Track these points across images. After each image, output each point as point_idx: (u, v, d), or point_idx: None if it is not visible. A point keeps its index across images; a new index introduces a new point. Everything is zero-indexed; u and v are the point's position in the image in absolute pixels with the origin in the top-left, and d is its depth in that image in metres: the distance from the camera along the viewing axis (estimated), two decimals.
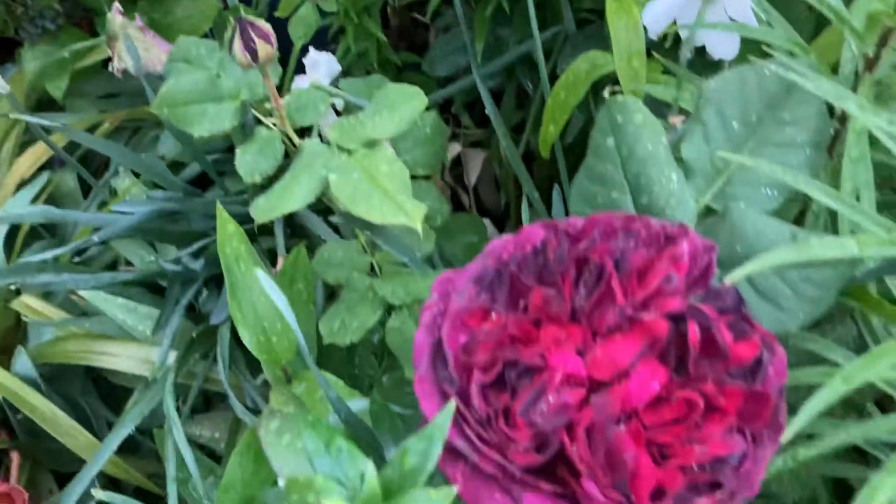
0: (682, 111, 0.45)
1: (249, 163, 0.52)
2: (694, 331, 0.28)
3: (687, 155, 0.36)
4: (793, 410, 0.35)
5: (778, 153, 0.35)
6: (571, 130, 0.67)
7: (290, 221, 0.70)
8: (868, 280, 0.35)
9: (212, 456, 0.69)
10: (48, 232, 0.88)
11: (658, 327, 0.28)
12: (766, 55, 0.36)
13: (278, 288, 0.47)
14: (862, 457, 0.44)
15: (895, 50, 0.36)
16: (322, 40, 0.76)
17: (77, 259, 0.83)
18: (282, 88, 0.60)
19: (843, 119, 0.36)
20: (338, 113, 0.58)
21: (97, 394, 0.84)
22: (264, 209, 0.44)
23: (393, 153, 0.44)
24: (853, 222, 0.31)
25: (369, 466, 0.26)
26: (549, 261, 0.31)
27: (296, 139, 0.51)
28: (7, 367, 0.73)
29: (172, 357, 0.68)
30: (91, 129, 0.88)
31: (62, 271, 0.72)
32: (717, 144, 0.35)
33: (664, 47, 0.50)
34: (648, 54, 0.51)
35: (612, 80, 0.52)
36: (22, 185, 0.90)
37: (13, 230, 0.83)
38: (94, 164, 0.91)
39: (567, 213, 0.40)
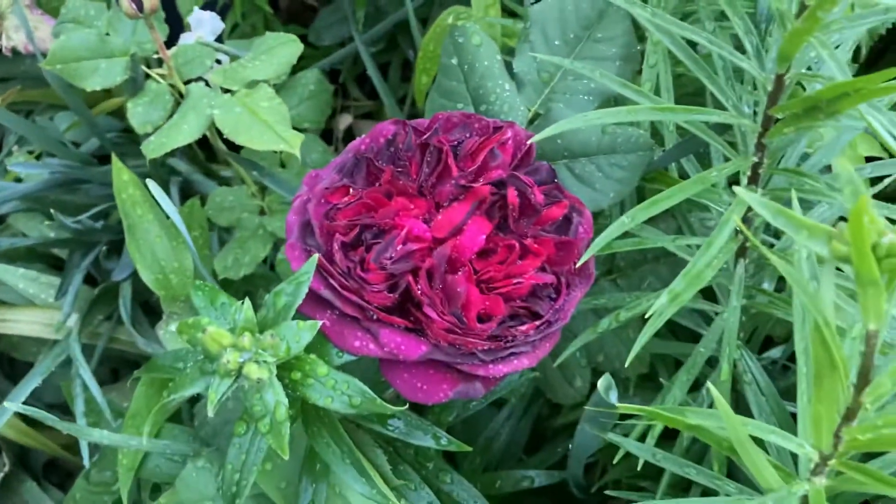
0: None
1: (141, 114, 0.57)
2: (513, 194, 0.36)
3: (518, 69, 0.43)
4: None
5: (594, 65, 0.43)
6: None
7: (184, 187, 0.75)
8: (665, 163, 0.43)
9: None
10: None
11: (483, 191, 0.35)
12: None
13: (174, 231, 0.52)
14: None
15: None
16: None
17: None
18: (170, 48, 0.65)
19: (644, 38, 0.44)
20: None
21: (1, 372, 0.85)
22: (156, 145, 0.49)
23: (272, 91, 0.50)
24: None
25: (247, 305, 0.32)
26: (399, 149, 0.37)
27: (184, 91, 0.56)
28: None
29: (76, 319, 0.71)
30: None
31: None
32: (542, 59, 0.43)
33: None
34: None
35: None
36: None
37: None
38: None
39: None
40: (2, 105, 0.94)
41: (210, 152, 0.85)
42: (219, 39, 0.64)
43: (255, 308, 0.71)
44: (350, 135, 1.02)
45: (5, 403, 0.56)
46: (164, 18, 0.61)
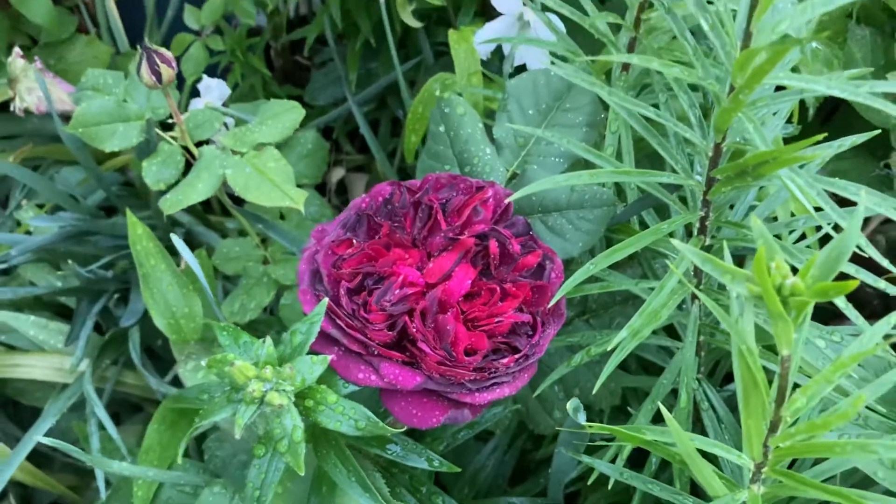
0: None
1: (155, 172, 0.63)
2: (494, 245, 0.42)
3: (497, 135, 0.50)
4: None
5: (563, 131, 0.50)
6: None
7: (188, 238, 0.81)
8: (627, 216, 0.49)
9: None
10: None
11: (468, 242, 0.42)
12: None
13: (184, 279, 0.58)
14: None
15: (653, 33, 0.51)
16: (211, 76, 0.88)
17: None
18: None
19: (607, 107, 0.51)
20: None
21: (5, 415, 0.90)
22: (173, 202, 0.55)
23: (278, 153, 0.57)
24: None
25: (268, 342, 0.37)
26: (395, 206, 0.44)
27: (195, 151, 0.62)
28: None
29: (87, 363, 0.76)
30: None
31: None
32: (519, 126, 0.49)
33: (493, 65, 0.65)
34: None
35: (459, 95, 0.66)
36: None
37: None
38: None
39: None
40: (15, 161, 1.00)
41: (207, 205, 0.91)
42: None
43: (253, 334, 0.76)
44: (342, 186, 1.09)
45: (38, 438, 0.61)
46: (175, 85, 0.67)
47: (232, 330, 0.39)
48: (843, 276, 0.31)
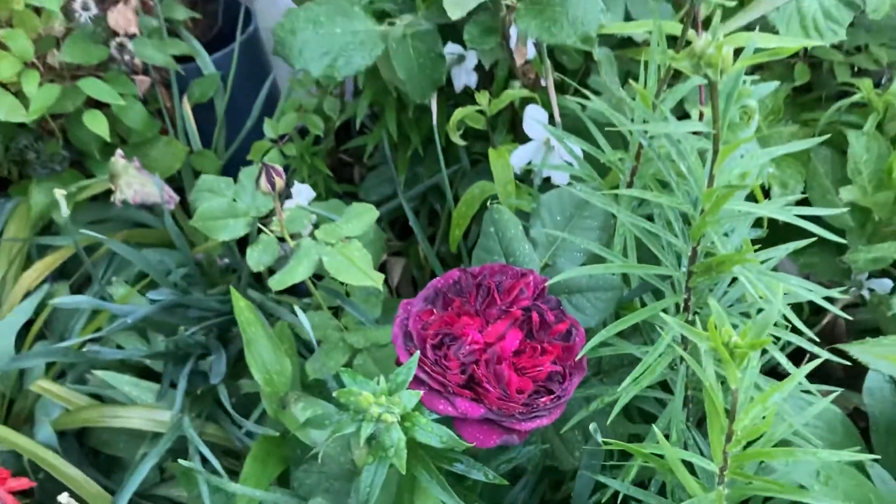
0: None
1: (256, 257, 0.81)
2: (535, 316, 0.60)
3: (533, 234, 0.68)
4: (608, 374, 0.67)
5: (582, 233, 0.68)
6: (471, 236, 1.00)
7: (262, 311, 0.98)
8: (632, 297, 0.67)
9: None
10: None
11: (516, 313, 0.59)
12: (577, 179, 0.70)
13: (278, 343, 0.76)
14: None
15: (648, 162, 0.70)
16: None
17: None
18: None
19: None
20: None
21: (87, 462, 1.05)
22: (279, 282, 0.73)
23: (360, 244, 0.75)
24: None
25: (381, 380, 0.54)
26: (462, 286, 0.62)
27: (290, 241, 0.81)
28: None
29: (168, 416, 0.92)
30: (88, 248, 1.14)
31: (75, 356, 0.97)
32: (549, 228, 0.67)
33: (525, 177, 0.84)
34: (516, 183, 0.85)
35: (494, 198, 0.85)
36: (27, 294, 1.14)
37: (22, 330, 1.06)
38: (79, 281, 1.17)
39: None
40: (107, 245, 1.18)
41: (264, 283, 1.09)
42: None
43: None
44: (383, 268, 1.27)
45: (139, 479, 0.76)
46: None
47: (351, 373, 0.56)
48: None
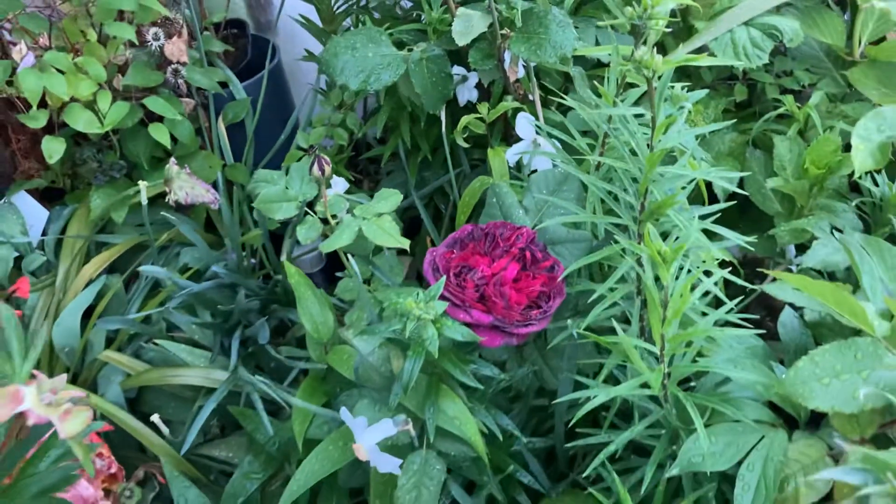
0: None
1: (304, 233, 1.04)
2: (528, 254, 0.83)
3: (525, 204, 0.92)
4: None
5: (563, 202, 0.92)
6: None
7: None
8: (599, 247, 0.91)
9: (227, 474, 1.14)
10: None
11: (514, 252, 0.83)
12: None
13: (323, 300, 0.99)
14: None
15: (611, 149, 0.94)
16: None
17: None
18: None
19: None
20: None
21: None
22: (328, 246, 0.96)
23: (390, 218, 0.98)
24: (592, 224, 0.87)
25: (421, 293, 0.77)
26: (475, 235, 0.85)
27: (331, 221, 1.04)
28: None
29: (220, 375, 1.14)
30: (135, 247, 1.36)
31: (139, 327, 1.19)
32: (537, 199, 0.91)
33: (518, 170, 1.09)
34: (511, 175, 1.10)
35: None
36: (88, 284, 1.35)
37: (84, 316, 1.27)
38: (126, 275, 1.38)
39: None
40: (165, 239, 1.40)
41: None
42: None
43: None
44: None
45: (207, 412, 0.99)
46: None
47: (397, 290, 0.79)
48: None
